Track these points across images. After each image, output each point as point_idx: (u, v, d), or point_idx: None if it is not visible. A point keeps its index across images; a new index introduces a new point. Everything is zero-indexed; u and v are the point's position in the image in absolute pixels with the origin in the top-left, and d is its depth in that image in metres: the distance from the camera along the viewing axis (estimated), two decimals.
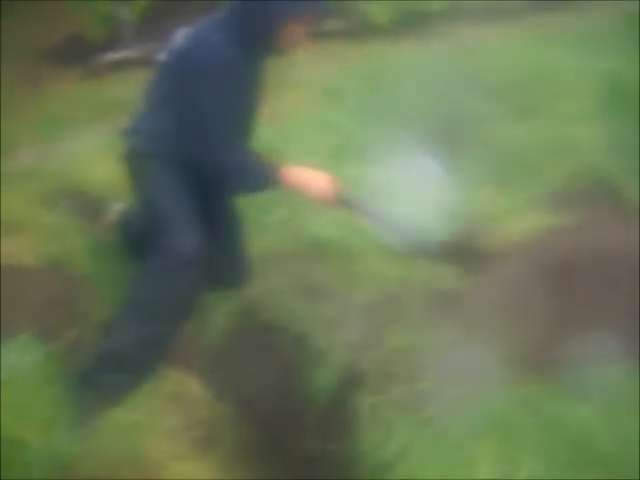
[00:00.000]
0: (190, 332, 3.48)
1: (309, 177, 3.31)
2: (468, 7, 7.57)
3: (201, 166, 3.32)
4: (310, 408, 3.11)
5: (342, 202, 3.36)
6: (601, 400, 3.02)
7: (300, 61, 6.34)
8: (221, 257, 3.44)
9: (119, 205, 3.99)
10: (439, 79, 5.71)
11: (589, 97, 5.57)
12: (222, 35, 3.21)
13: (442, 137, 4.85)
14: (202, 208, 3.36)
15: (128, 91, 5.79)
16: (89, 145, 5.18)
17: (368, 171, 4.68)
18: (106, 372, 3.18)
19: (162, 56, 3.43)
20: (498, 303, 3.42)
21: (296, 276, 3.56)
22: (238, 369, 3.37)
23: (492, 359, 3.05)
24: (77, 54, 6.94)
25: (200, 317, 3.53)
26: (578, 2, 7.79)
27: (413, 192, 4.29)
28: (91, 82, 6.61)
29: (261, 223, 3.81)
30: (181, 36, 3.36)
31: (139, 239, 3.75)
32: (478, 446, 2.79)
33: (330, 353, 3.15)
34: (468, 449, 2.78)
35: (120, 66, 6.83)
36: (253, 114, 3.49)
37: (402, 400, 2.94)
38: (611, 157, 4.94)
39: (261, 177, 3.30)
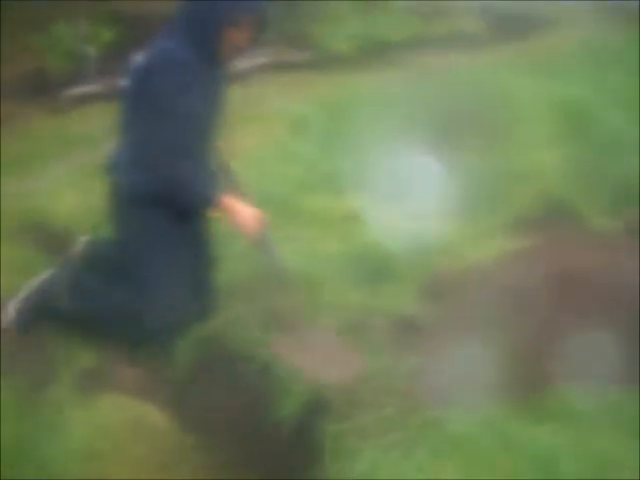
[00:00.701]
0: (155, 362, 3.50)
1: (241, 210, 3.45)
2: (430, 36, 7.67)
3: (157, 180, 3.36)
4: (275, 436, 3.11)
5: (258, 241, 3.50)
6: (567, 421, 3.05)
7: (265, 93, 6.41)
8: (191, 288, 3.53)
9: (84, 238, 3.98)
10: (402, 108, 5.77)
11: (549, 123, 5.65)
12: (171, 41, 3.32)
13: (406, 166, 4.90)
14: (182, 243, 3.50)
15: (93, 125, 5.83)
16: (55, 180, 5.19)
17: (334, 201, 4.72)
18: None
19: (124, 82, 3.48)
20: (461, 327, 3.45)
21: (260, 305, 3.58)
22: (203, 398, 3.37)
23: (456, 383, 3.08)
24: (42, 90, 6.95)
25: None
26: (536, 30, 7.91)
27: (379, 220, 4.33)
28: (56, 117, 6.61)
29: (224, 253, 3.82)
30: (137, 58, 3.42)
31: (105, 271, 3.77)
32: (444, 468, 2.79)
33: (294, 381, 3.16)
34: (434, 472, 2.78)
35: (84, 101, 6.85)
36: (215, 120, 3.53)
37: (367, 426, 2.95)
38: (571, 181, 5.00)
39: (201, 198, 3.43)
